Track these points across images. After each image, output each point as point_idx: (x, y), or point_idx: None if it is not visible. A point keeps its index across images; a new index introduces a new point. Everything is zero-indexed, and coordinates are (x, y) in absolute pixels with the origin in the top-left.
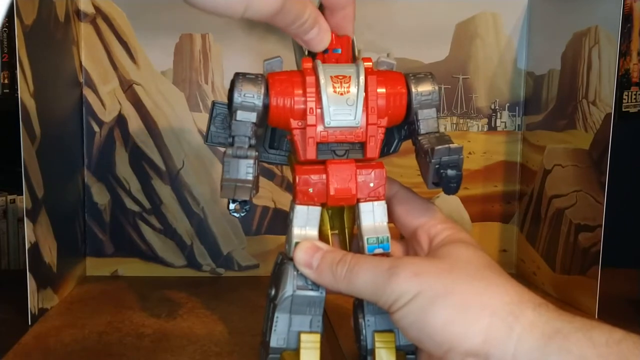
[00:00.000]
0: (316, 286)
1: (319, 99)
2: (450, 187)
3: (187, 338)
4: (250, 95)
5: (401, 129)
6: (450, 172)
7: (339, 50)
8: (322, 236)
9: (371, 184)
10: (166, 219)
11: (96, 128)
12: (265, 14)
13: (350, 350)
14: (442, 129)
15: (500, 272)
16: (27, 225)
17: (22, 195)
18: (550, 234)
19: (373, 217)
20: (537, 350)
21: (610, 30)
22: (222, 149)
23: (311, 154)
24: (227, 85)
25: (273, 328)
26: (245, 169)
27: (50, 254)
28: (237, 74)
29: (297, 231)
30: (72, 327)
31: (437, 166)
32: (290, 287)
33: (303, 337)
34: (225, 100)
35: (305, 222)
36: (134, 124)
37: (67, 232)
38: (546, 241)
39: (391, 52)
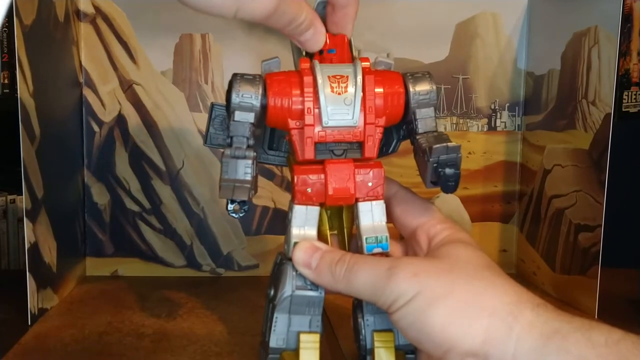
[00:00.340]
0: (315, 286)
1: (316, 99)
2: (449, 185)
3: (187, 338)
4: (248, 96)
5: (400, 129)
6: (448, 170)
7: (334, 51)
8: (321, 236)
9: (369, 184)
10: (166, 219)
11: (96, 128)
12: (258, 16)
13: (349, 350)
14: (441, 129)
15: (499, 273)
16: (27, 225)
17: (22, 195)
18: (550, 234)
19: (372, 216)
20: (536, 351)
21: (610, 30)
22: (222, 150)
23: (309, 154)
24: (227, 86)
25: (272, 328)
26: (244, 169)
27: (50, 254)
28: (234, 75)
29: (295, 231)
30: (72, 327)
31: (435, 165)
32: (289, 287)
33: (302, 337)
34: (225, 101)
35: (304, 222)
36: (134, 124)
37: (67, 232)
38: (546, 241)
39: (391, 52)
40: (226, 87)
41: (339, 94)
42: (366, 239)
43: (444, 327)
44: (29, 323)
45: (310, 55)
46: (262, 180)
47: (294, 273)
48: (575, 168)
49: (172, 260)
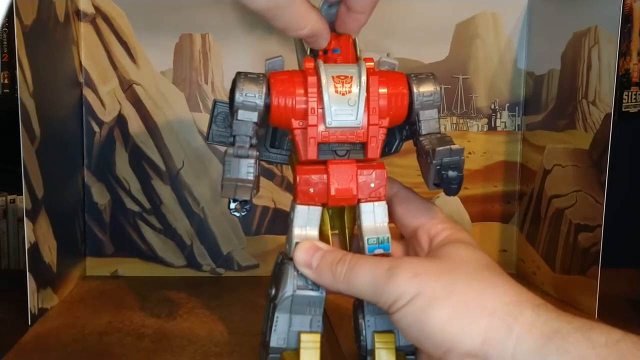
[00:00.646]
0: (316, 286)
1: (320, 99)
2: (451, 188)
3: (187, 338)
4: (252, 95)
5: (402, 129)
6: (451, 173)
7: (338, 51)
8: (323, 236)
9: (372, 185)
10: (166, 219)
11: (96, 128)
12: (257, 5)
13: (350, 350)
14: (442, 129)
15: (499, 273)
16: (27, 225)
17: (22, 195)
18: (550, 234)
19: (374, 217)
20: (536, 351)
21: (610, 30)
22: (222, 149)
23: (312, 154)
24: (227, 86)
25: (273, 328)
26: (246, 169)
27: (50, 254)
28: (238, 74)
29: (297, 231)
30: (72, 327)
31: (438, 167)
32: (290, 287)
33: (303, 337)
34: (226, 99)
35: (306, 222)
36: (134, 124)
37: (67, 232)
38: (546, 241)
39: (391, 52)
40: (227, 87)
41: (343, 94)
42: (368, 239)
43: (444, 327)
44: (29, 323)
45: (314, 55)
46: (262, 180)
47: (295, 273)
48: (575, 168)
49: (172, 260)
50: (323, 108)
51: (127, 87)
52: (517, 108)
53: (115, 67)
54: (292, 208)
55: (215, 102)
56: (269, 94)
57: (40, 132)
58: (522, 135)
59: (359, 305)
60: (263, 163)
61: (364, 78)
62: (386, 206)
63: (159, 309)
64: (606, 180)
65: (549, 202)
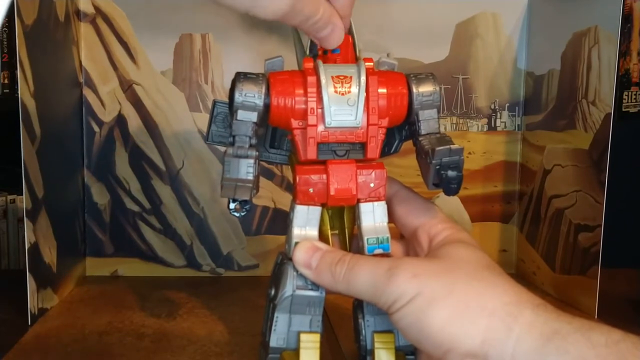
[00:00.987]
0: (316, 286)
1: (319, 99)
2: (451, 188)
3: (187, 338)
4: (252, 95)
5: (402, 130)
6: (450, 173)
7: (338, 51)
8: (322, 236)
9: (371, 185)
10: (166, 219)
11: (96, 128)
12: (271, 15)
13: (350, 350)
14: (442, 129)
15: (499, 273)
16: (27, 225)
17: (22, 195)
18: (550, 234)
19: (373, 217)
20: (536, 351)
21: (610, 30)
22: (222, 149)
23: (312, 154)
24: (227, 85)
25: (273, 328)
26: (246, 169)
27: (50, 254)
28: (238, 74)
29: (297, 231)
30: (72, 327)
31: (437, 167)
32: (290, 287)
33: (303, 337)
34: (226, 99)
35: (306, 222)
36: (134, 124)
37: (67, 232)
38: (546, 241)
39: (391, 52)
40: (227, 86)
41: (343, 94)
42: (367, 239)
43: (443, 328)
44: (29, 323)
45: (314, 55)
46: (262, 180)
47: (295, 273)
48: (575, 168)
49: (172, 260)
50: (322, 108)
51: (127, 87)
52: (517, 108)
53: (115, 67)
54: (292, 208)
55: (214, 103)
56: (268, 94)
57: (41, 132)
58: (522, 135)
59: (358, 305)
60: (263, 163)
61: (363, 78)
62: (386, 206)
63: (159, 309)
64: (606, 180)
65: (549, 202)
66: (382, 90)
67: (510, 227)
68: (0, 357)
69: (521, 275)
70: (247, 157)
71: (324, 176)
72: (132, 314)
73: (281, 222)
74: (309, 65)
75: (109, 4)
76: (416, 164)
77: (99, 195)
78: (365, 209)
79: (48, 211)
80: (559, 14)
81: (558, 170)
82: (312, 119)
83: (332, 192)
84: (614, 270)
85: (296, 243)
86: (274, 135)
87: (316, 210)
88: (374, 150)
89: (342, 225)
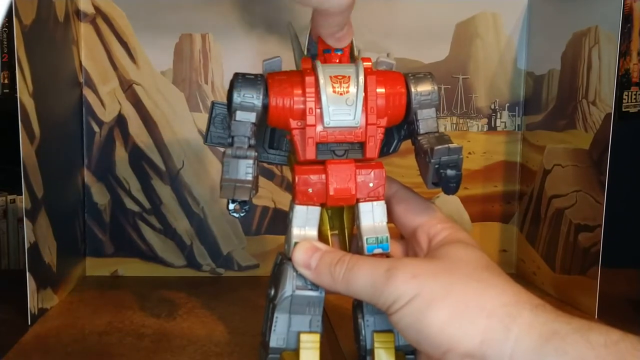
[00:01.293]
0: (315, 286)
1: (318, 99)
2: (450, 187)
3: (187, 338)
4: (250, 96)
5: (401, 129)
6: (449, 172)
7: (341, 51)
8: (322, 236)
9: (370, 184)
10: (166, 219)
11: (96, 128)
12: (338, 7)
13: (349, 350)
14: (442, 129)
15: (499, 273)
16: (26, 225)
17: (22, 195)
18: (550, 234)
19: (372, 217)
20: (534, 352)
21: (610, 30)
22: (222, 149)
23: (311, 154)
24: (227, 85)
25: (272, 328)
26: (245, 169)
27: (50, 254)
28: (236, 74)
29: (296, 231)
30: (72, 327)
31: (436, 166)
32: (289, 287)
33: (302, 337)
34: (225, 100)
35: (305, 222)
36: (134, 124)
37: (66, 232)
38: (546, 241)
39: (391, 52)
40: (226, 87)
41: (341, 94)
42: (367, 239)
43: (442, 328)
44: (29, 323)
45: (312, 55)
46: (262, 180)
47: (294, 273)
48: (575, 168)
49: (172, 260)
50: (321, 108)
51: (127, 87)
52: (517, 108)
53: (115, 67)
54: (291, 208)
55: (213, 104)
56: (266, 94)
57: (40, 132)
58: (522, 135)
59: (358, 305)
60: (263, 164)
61: (361, 78)
62: (385, 206)
63: (159, 309)
64: (606, 180)
65: (549, 202)
66: (381, 90)
67: (510, 227)
68: (0, 357)
69: (521, 275)
70: (246, 157)
71: (323, 176)
72: (132, 314)
73: (281, 222)
74: (308, 65)
75: (109, 4)
76: (416, 164)
77: (99, 195)
78: (365, 208)
79: (48, 211)
80: (559, 14)
81: (558, 170)
82: (310, 119)
83: (331, 192)
84: (614, 270)
85: (295, 243)
86: (273, 136)
87: (315, 210)
88: (372, 149)
89: (341, 225)
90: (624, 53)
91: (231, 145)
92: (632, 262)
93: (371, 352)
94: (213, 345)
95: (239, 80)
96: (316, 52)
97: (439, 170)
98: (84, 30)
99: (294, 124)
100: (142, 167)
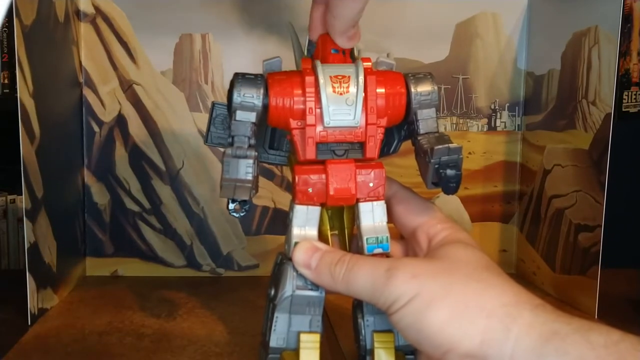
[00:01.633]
0: (315, 286)
1: (318, 99)
2: (450, 186)
3: (187, 338)
4: (250, 95)
5: (401, 130)
6: (449, 171)
7: (345, 52)
8: (322, 236)
9: (370, 184)
10: (166, 219)
11: (96, 128)
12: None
13: (349, 350)
14: (442, 129)
15: (498, 273)
16: (26, 225)
17: (22, 195)
18: (550, 234)
19: (372, 217)
20: (534, 352)
21: (610, 30)
22: (222, 149)
23: (311, 153)
24: (227, 85)
25: (273, 328)
26: (245, 169)
27: (50, 254)
28: (236, 74)
29: (296, 231)
30: (72, 327)
31: (436, 166)
32: (289, 287)
33: (303, 337)
34: (225, 101)
35: (305, 222)
36: (134, 124)
37: (66, 232)
38: (546, 241)
39: (391, 52)
40: (226, 87)
41: (341, 94)
42: (367, 239)
43: (442, 328)
44: (29, 323)
45: (311, 56)
46: (262, 180)
47: (295, 273)
48: (575, 168)
49: (172, 260)
50: (321, 108)
51: (127, 87)
52: (517, 108)
53: (115, 67)
54: (291, 208)
55: (213, 105)
56: (266, 94)
57: (40, 132)
58: (522, 135)
59: (358, 305)
60: (263, 164)
61: (361, 78)
62: (385, 206)
63: (159, 309)
64: (606, 180)
65: (549, 202)
66: (381, 90)
67: (510, 227)
68: (0, 357)
69: (521, 275)
70: (246, 157)
71: (323, 176)
72: (132, 314)
73: (281, 222)
74: (307, 65)
75: (109, 4)
76: (416, 164)
77: (99, 195)
78: (365, 208)
79: (48, 211)
80: (559, 14)
81: (558, 170)
82: (310, 119)
83: (331, 192)
84: (614, 270)
85: (296, 243)
86: (273, 136)
87: (315, 210)
88: (372, 149)
89: (341, 225)
90: (624, 53)
91: (231, 144)
92: (632, 262)
93: (371, 352)
94: (213, 345)
95: (239, 80)
96: (312, 54)
97: (438, 170)
98: (84, 30)
99: (294, 123)
100: (142, 167)
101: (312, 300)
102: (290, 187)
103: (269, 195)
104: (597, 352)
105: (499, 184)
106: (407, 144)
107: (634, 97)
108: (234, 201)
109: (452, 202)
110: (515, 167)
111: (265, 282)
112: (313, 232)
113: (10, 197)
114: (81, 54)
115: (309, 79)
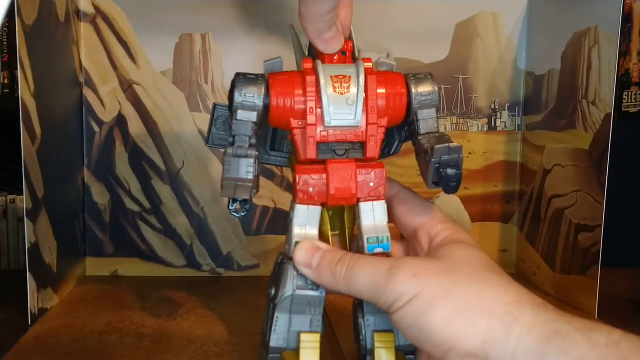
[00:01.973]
0: (316, 286)
1: (319, 99)
2: (450, 186)
3: (187, 338)
4: (251, 95)
5: (401, 131)
6: (450, 171)
7: (346, 53)
8: (323, 236)
9: (371, 184)
10: (166, 219)
11: (96, 128)
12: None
13: (349, 350)
14: (442, 129)
15: (499, 273)
16: (27, 225)
17: (23, 195)
18: (550, 234)
19: (373, 216)
20: (536, 351)
21: (610, 30)
22: (223, 150)
23: (311, 153)
24: (227, 86)
25: (273, 328)
26: (246, 168)
27: (50, 254)
28: (237, 74)
29: (297, 231)
30: (72, 327)
31: (437, 165)
32: (290, 287)
33: (303, 337)
34: (227, 102)
35: (306, 222)
36: (134, 124)
37: (67, 232)
38: (546, 241)
39: (391, 52)
40: (227, 87)
41: (342, 94)
42: (367, 239)
43: (443, 328)
44: (29, 323)
45: (312, 56)
46: (262, 180)
47: (295, 273)
48: (575, 168)
49: (172, 260)
50: (322, 108)
51: (127, 87)
52: (517, 108)
53: (115, 67)
54: (292, 208)
55: (215, 106)
56: (268, 94)
57: (41, 132)
58: (522, 135)
59: (358, 304)
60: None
61: (362, 78)
62: (385, 205)
63: (159, 309)
64: (606, 180)
65: (549, 202)
66: (381, 90)
67: (511, 227)
68: (0, 357)
69: (521, 275)
70: (247, 156)
71: (324, 176)
72: (132, 314)
73: (281, 222)
74: (308, 65)
75: (109, 4)
76: (416, 164)
77: (99, 195)
78: (365, 208)
79: (48, 211)
80: (559, 14)
81: (558, 170)
82: (311, 119)
83: (332, 192)
84: (614, 270)
85: (296, 243)
86: (275, 137)
87: (316, 210)
88: (373, 149)
89: (342, 225)
90: (624, 53)
91: (232, 144)
92: (632, 262)
93: (371, 352)
94: (213, 345)
95: (241, 79)
96: (313, 54)
97: (439, 169)
98: (84, 30)
99: (294, 123)
100: (142, 167)
101: (312, 300)
102: (290, 187)
103: (269, 195)
104: (598, 352)
105: (499, 184)
106: (407, 144)
107: (634, 97)
108: (235, 201)
109: (452, 202)
110: (515, 167)
111: (266, 282)
112: (314, 231)
113: (10, 197)
114: (81, 54)
115: (310, 79)
